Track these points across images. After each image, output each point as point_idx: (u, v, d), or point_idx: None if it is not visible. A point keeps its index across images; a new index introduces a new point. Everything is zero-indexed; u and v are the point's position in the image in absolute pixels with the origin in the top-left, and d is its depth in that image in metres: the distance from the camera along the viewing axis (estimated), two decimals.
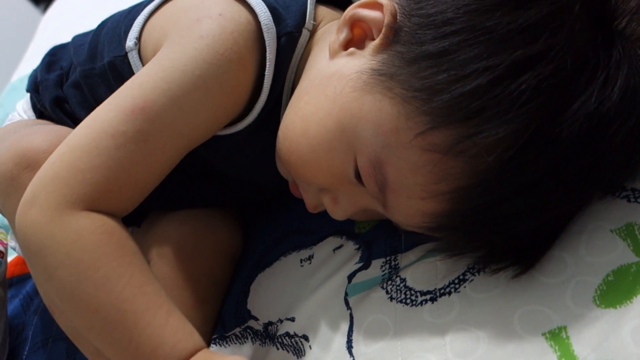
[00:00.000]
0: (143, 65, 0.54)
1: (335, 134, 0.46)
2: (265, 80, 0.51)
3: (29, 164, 0.52)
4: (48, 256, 0.44)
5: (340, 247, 0.58)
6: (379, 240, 0.56)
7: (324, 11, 0.56)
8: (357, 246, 0.57)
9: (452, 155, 0.41)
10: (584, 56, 0.40)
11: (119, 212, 0.47)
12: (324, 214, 0.57)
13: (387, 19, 0.46)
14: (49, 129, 0.59)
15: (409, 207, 0.45)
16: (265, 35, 0.50)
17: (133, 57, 0.54)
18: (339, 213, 0.52)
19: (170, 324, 0.43)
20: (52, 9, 1.61)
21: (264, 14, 0.50)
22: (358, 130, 0.45)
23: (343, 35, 0.49)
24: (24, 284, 0.76)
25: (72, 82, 0.61)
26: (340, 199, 0.51)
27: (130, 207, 0.48)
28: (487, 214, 0.43)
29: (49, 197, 0.45)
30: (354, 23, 0.49)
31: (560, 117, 0.39)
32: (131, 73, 0.54)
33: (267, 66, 0.50)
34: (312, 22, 0.53)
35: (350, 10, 0.49)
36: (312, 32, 0.53)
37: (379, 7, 0.47)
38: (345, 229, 0.59)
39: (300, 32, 0.52)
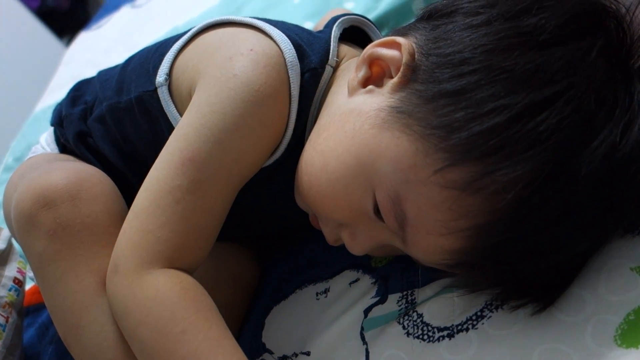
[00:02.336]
0: (174, 100, 0.55)
1: (354, 170, 0.47)
2: (290, 115, 0.52)
3: (47, 203, 0.53)
4: (130, 315, 0.47)
5: (356, 280, 0.58)
6: (396, 275, 0.55)
7: (345, 49, 0.58)
8: (374, 280, 0.56)
9: (471, 192, 0.41)
10: (603, 95, 0.40)
11: (193, 265, 0.50)
12: (340, 247, 0.57)
13: (405, 57, 0.46)
14: (68, 167, 0.59)
15: (429, 244, 0.45)
16: (290, 71, 0.51)
17: (163, 93, 0.56)
18: (357, 248, 0.52)
19: None
20: (76, 41, 1.66)
21: (289, 51, 0.51)
22: (377, 167, 0.46)
23: (362, 73, 0.50)
24: (39, 313, 0.77)
25: (96, 116, 0.63)
26: (359, 234, 0.51)
27: (203, 256, 0.51)
28: (506, 252, 0.42)
29: (127, 262, 0.48)
30: (373, 61, 0.50)
31: (580, 155, 0.39)
32: (160, 108, 0.55)
33: (292, 102, 0.51)
34: (335, 59, 0.54)
35: (369, 49, 0.50)
36: (335, 69, 0.55)
37: (397, 46, 0.48)
38: (362, 262, 0.59)
39: (323, 69, 0.53)
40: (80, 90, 0.71)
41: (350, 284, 0.58)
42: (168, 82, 0.55)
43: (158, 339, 0.45)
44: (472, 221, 0.42)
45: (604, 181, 0.40)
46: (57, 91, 1.37)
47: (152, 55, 0.60)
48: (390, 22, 0.87)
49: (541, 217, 0.41)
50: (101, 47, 1.48)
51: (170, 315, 0.46)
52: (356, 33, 0.61)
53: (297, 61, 0.51)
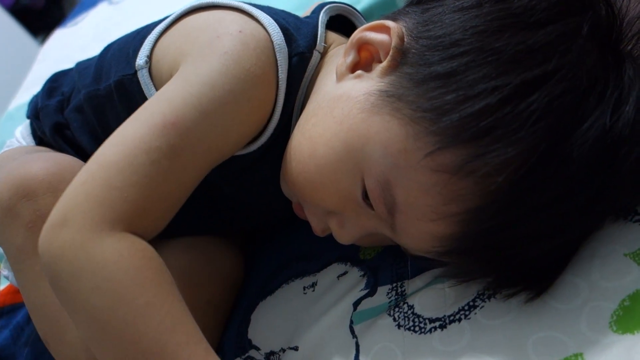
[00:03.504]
0: (154, 83, 0.53)
1: (343, 155, 0.46)
2: (277, 99, 0.50)
3: (26, 194, 0.51)
4: (83, 279, 0.42)
5: (344, 273, 0.56)
6: (385, 267, 0.54)
7: (333, 35, 0.57)
8: (362, 272, 0.55)
9: (462, 175, 0.40)
10: (594, 76, 0.40)
11: (152, 233, 0.46)
12: (327, 240, 0.56)
13: (394, 41, 0.45)
14: (47, 157, 0.57)
15: (419, 230, 0.44)
16: (277, 54, 0.50)
17: (143, 76, 0.54)
18: (345, 237, 0.50)
19: None
20: (52, 39, 1.62)
21: (277, 34, 0.50)
22: (366, 151, 0.44)
23: (350, 58, 0.49)
24: (15, 314, 0.74)
25: (74, 106, 0.61)
26: (347, 222, 0.50)
27: (162, 226, 0.47)
28: (497, 237, 0.42)
29: (84, 217, 0.42)
30: (361, 46, 0.49)
31: (571, 137, 0.39)
32: (140, 92, 0.53)
33: (279, 85, 0.50)
34: (322, 44, 0.53)
35: (358, 33, 0.49)
36: (322, 55, 0.54)
37: (386, 30, 0.47)
38: (350, 255, 0.57)
39: (311, 53, 0.52)
40: (57, 81, 0.69)
41: (338, 277, 0.56)
42: (149, 65, 0.53)
43: (116, 309, 0.41)
44: (463, 205, 0.41)
45: (597, 163, 0.39)
46: (31, 89, 1.33)
47: (132, 40, 0.58)
48: (375, 16, 0.86)
49: (533, 201, 0.40)
50: (78, 44, 1.45)
51: (132, 284, 0.41)
52: (342, 23, 0.60)
53: (285, 45, 0.50)
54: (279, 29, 0.50)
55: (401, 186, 0.43)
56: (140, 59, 0.54)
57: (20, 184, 0.51)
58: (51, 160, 0.55)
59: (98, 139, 0.59)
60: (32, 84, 1.36)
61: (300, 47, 0.51)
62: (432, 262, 0.48)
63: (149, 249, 0.44)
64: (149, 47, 0.54)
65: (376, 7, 0.87)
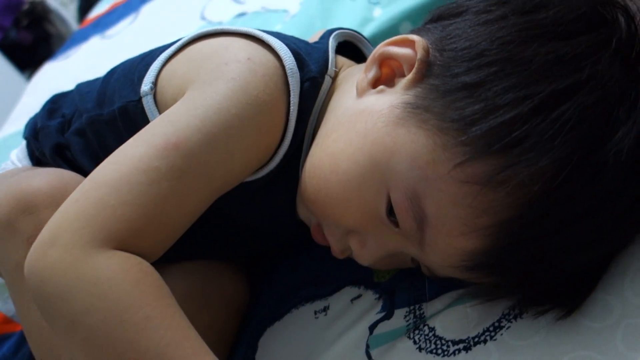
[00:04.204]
0: (159, 109, 0.52)
1: (367, 169, 0.45)
2: (289, 124, 0.49)
3: (27, 208, 0.48)
4: (74, 300, 0.39)
5: (358, 297, 0.54)
6: (401, 289, 0.52)
7: (342, 59, 0.56)
8: (377, 295, 0.53)
9: (493, 186, 0.39)
10: (624, 87, 0.40)
11: (149, 257, 0.43)
12: (339, 264, 0.54)
13: (419, 54, 0.45)
14: (50, 171, 0.55)
15: (448, 245, 0.43)
16: (290, 79, 0.49)
17: (148, 102, 0.52)
18: (366, 257, 0.49)
19: None
20: (41, 71, 1.61)
21: (289, 59, 0.49)
22: (392, 165, 0.43)
23: (372, 73, 0.48)
24: (3, 343, 0.70)
25: (75, 130, 0.59)
26: (369, 241, 0.48)
27: (161, 251, 0.45)
28: (529, 250, 0.40)
29: (74, 236, 0.40)
30: (383, 61, 0.48)
31: (605, 146, 0.38)
32: (144, 118, 0.52)
33: (292, 110, 0.49)
34: (334, 69, 0.53)
35: (380, 48, 0.49)
36: (333, 79, 0.53)
37: (409, 44, 0.47)
38: (364, 278, 0.55)
39: (323, 78, 0.51)
40: (57, 103, 0.67)
41: (352, 300, 0.54)
42: (154, 91, 0.52)
43: (114, 327, 0.39)
44: (495, 218, 0.40)
45: (631, 172, 0.39)
46: (19, 120, 1.31)
47: (137, 66, 0.57)
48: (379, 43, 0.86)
49: (567, 211, 0.39)
50: (69, 76, 1.43)
51: (130, 300, 0.39)
52: (349, 49, 0.60)
53: (297, 69, 0.50)
54: (290, 54, 0.49)
55: (430, 198, 0.42)
56: (146, 85, 0.52)
57: (22, 197, 0.49)
58: (54, 174, 0.53)
59: (100, 163, 0.58)
60: (19, 117, 1.34)
61: (312, 72, 0.51)
62: (451, 283, 0.46)
63: (144, 263, 0.42)
64: (155, 73, 0.53)
65: (379, 38, 0.88)
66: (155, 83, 0.53)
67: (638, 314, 0.40)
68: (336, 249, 0.50)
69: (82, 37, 1.65)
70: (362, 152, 0.45)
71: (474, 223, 0.40)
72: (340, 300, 0.55)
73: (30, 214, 0.48)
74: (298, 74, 0.50)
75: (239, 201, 0.53)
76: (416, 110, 0.43)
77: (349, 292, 0.55)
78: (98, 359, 0.40)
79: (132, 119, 0.53)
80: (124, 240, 0.41)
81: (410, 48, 0.46)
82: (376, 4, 0.95)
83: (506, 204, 0.39)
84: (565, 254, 0.40)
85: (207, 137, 0.45)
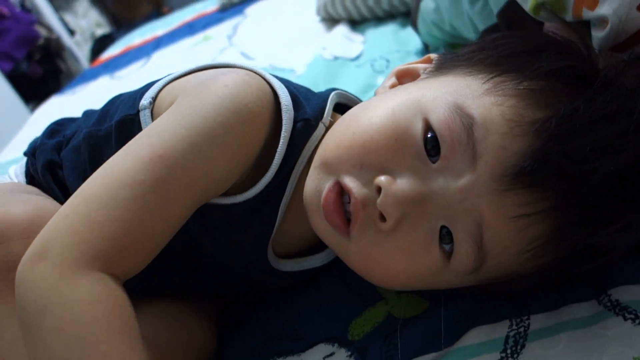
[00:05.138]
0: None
1: (402, 106, 0.47)
2: (276, 156, 0.50)
3: (1, 236, 0.48)
4: (48, 317, 0.40)
5: (331, 354, 0.53)
6: (374, 347, 0.51)
7: (338, 116, 0.57)
8: (349, 353, 0.52)
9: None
10: None
11: (132, 272, 0.44)
12: (314, 320, 0.53)
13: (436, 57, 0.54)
14: (29, 200, 0.55)
15: (499, 146, 0.42)
16: (284, 114, 0.50)
17: (145, 116, 0.53)
18: (397, 190, 0.44)
19: None
20: (46, 104, 1.63)
21: (286, 97, 0.51)
22: (426, 95, 0.47)
23: (390, 81, 0.54)
24: None
25: (72, 146, 0.59)
26: (401, 177, 0.45)
27: (143, 265, 0.45)
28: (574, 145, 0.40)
29: (63, 252, 0.41)
30: (401, 75, 0.54)
31: None
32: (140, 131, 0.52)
33: (281, 143, 0.50)
34: (329, 118, 0.54)
35: (400, 67, 0.55)
36: (327, 129, 0.54)
37: (428, 60, 0.54)
38: (337, 336, 0.54)
39: (317, 124, 0.53)
40: (62, 125, 0.69)
41: (324, 358, 0.53)
42: (152, 105, 0.53)
43: (71, 353, 0.39)
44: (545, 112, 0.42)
45: None
46: (17, 149, 1.32)
47: (141, 89, 0.59)
48: None
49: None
50: (73, 110, 1.44)
51: (95, 331, 0.39)
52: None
53: (292, 108, 0.51)
54: (288, 93, 0.51)
55: (475, 107, 0.44)
56: (145, 100, 0.54)
57: None
58: (33, 203, 0.52)
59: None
60: (20, 145, 1.34)
61: (307, 114, 0.52)
62: (425, 346, 0.45)
63: (123, 296, 0.43)
64: (156, 90, 0.54)
65: None
66: (155, 99, 0.54)
67: None
68: (359, 196, 0.46)
69: (91, 75, 1.69)
70: (394, 101, 0.48)
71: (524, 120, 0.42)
72: (313, 357, 0.53)
73: (1, 242, 0.48)
74: (292, 112, 0.51)
75: (215, 228, 0.53)
76: (441, 67, 0.51)
77: (322, 349, 0.54)
78: None
79: (128, 133, 0.53)
80: (110, 257, 0.42)
81: (427, 63, 0.53)
82: (380, 72, 0.98)
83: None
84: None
85: (192, 145, 0.46)
